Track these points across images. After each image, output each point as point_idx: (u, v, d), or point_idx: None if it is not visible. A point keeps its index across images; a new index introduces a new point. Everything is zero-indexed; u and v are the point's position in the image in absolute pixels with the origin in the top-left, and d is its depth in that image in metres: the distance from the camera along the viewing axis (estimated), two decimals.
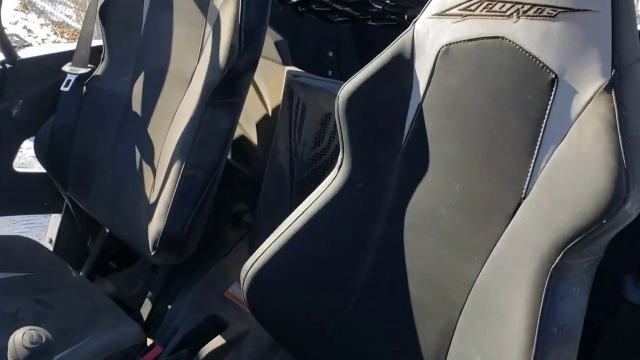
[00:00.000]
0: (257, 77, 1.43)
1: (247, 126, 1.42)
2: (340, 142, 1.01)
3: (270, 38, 1.38)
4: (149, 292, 1.45)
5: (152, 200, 1.25)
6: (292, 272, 1.01)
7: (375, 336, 0.98)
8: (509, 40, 0.86)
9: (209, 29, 1.23)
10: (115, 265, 1.70)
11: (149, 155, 1.31)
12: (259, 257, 1.03)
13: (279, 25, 1.41)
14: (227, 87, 1.19)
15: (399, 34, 0.98)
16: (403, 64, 0.97)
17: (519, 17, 0.86)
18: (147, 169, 1.31)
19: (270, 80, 1.38)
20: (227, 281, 1.28)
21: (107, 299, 1.36)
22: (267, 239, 1.04)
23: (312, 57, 1.76)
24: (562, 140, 0.82)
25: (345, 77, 1.88)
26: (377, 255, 0.99)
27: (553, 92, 0.83)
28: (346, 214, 1.00)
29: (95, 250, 1.61)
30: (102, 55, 1.43)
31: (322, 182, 1.11)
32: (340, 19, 1.61)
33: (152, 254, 1.21)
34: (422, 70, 0.96)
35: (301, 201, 1.15)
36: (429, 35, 0.95)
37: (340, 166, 1.02)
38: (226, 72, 1.17)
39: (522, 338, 0.79)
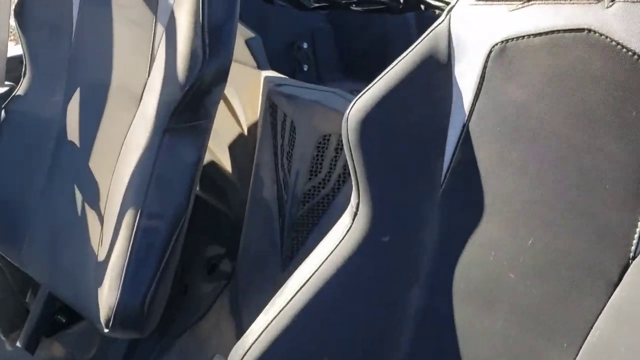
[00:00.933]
0: (227, 85, 1.14)
1: (218, 149, 1.13)
2: (354, 180, 0.74)
3: (240, 35, 1.09)
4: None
5: (100, 257, 0.96)
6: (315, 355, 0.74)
7: None
8: (599, 34, 0.60)
9: (160, 29, 0.93)
10: (64, 320, 1.40)
11: (92, 199, 1.01)
12: (253, 343, 0.75)
13: (242, 15, 1.13)
14: (190, 107, 0.90)
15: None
16: (437, 70, 0.70)
17: (613, 1, 0.60)
18: (91, 217, 1.01)
19: (244, 90, 1.09)
20: (205, 354, 1.00)
21: None
22: (261, 316, 0.76)
23: (284, 50, 1.48)
24: None
25: (323, 73, 1.61)
26: (418, 333, 0.72)
27: None
28: (371, 280, 0.73)
29: (37, 308, 1.30)
30: (23, 69, 1.12)
31: (322, 223, 0.84)
32: (316, 5, 1.33)
33: (106, 331, 0.92)
34: (465, 78, 0.69)
35: (296, 248, 0.88)
36: (474, 29, 0.68)
37: (355, 213, 0.74)
38: (188, 87, 0.88)
39: None
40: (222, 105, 1.13)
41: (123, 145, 0.98)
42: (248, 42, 1.09)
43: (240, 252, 1.04)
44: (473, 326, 0.69)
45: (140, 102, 0.96)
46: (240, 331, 0.99)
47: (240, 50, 1.10)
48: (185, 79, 0.87)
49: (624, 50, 0.58)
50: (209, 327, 1.04)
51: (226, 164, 1.11)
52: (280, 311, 0.74)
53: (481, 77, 0.68)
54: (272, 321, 0.74)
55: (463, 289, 0.70)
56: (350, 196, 0.96)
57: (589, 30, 0.60)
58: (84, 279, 0.99)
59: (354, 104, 0.73)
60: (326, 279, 0.74)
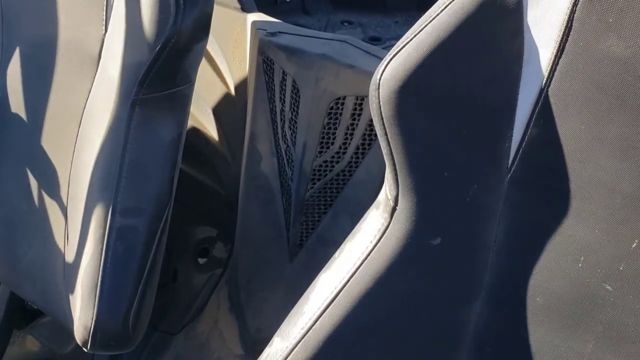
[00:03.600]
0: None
1: (200, 114, 0.94)
2: (390, 167, 0.56)
3: None
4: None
5: (69, 258, 0.79)
6: None
7: None
8: None
9: None
10: (36, 307, 1.24)
11: (50, 187, 0.82)
12: None
13: None
14: (164, 72, 0.70)
15: None
16: (501, 16, 0.52)
17: None
18: (52, 208, 0.83)
19: (228, 40, 0.89)
20: (207, 357, 0.85)
21: None
22: (277, 342, 0.61)
23: None
24: None
25: (308, 2, 1.37)
26: (482, 357, 0.58)
27: None
28: (418, 297, 0.57)
29: (2, 302, 1.14)
30: None
31: (338, 204, 0.68)
32: None
33: (86, 350, 0.76)
34: (543, 26, 0.51)
35: (305, 234, 0.72)
36: None
37: (393, 209, 0.57)
38: (159, 46, 0.67)
39: None
40: (202, 61, 0.93)
41: (82, 120, 0.78)
42: None
43: (237, 237, 0.87)
44: (553, 350, 0.54)
45: (98, 64, 0.76)
46: (244, 333, 0.84)
47: None
48: (155, 35, 0.67)
49: None
50: (207, 327, 0.88)
51: (212, 132, 0.92)
52: (303, 337, 0.59)
53: (567, 25, 0.49)
54: (293, 349, 0.59)
55: (541, 304, 0.54)
56: (372, 171, 0.79)
57: None
58: (53, 281, 0.82)
59: (387, 65, 0.55)
60: (360, 296, 0.58)
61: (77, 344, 1.13)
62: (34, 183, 0.86)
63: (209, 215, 0.97)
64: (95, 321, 0.70)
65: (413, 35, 0.54)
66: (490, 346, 0.58)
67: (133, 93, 0.71)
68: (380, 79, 0.55)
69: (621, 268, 0.51)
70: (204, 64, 0.92)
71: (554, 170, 0.53)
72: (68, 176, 0.81)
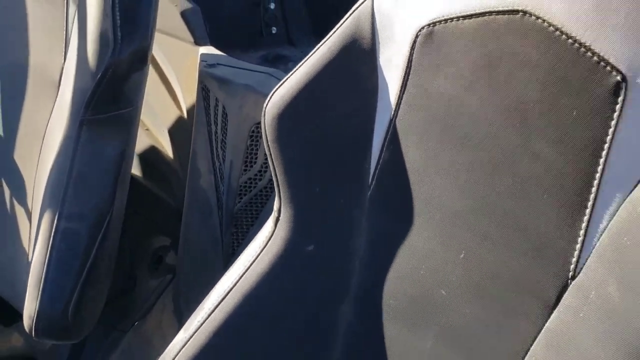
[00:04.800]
0: (164, 63, 1.04)
1: (157, 132, 1.05)
2: (275, 181, 0.66)
3: (175, 6, 0.99)
4: None
5: (30, 258, 0.90)
6: None
7: None
8: (536, 17, 0.50)
9: (72, 9, 0.84)
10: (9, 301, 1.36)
11: (19, 194, 0.94)
12: (179, 353, 0.69)
13: None
14: (106, 96, 0.81)
15: None
16: (360, 57, 0.61)
17: None
18: (20, 212, 0.94)
19: (181, 68, 1.00)
20: (148, 356, 0.94)
21: None
22: (181, 333, 0.70)
23: (249, 10, 1.37)
24: (636, 186, 0.49)
25: (294, 35, 1.50)
26: (347, 353, 0.66)
27: (620, 105, 0.48)
28: (295, 294, 0.66)
29: None
30: None
31: (263, 217, 0.77)
32: None
33: (33, 338, 0.86)
34: (391, 66, 0.60)
35: (236, 244, 0.81)
36: (398, 10, 0.58)
37: (277, 219, 0.67)
38: (100, 74, 0.79)
39: None
40: (160, 85, 1.04)
41: (44, 137, 0.90)
42: (184, 14, 0.99)
43: (180, 247, 0.97)
44: (402, 346, 0.62)
45: (58, 89, 0.88)
46: None
47: (176, 23, 1.00)
48: (96, 65, 0.79)
49: (563, 36, 0.49)
50: (152, 326, 0.98)
51: (167, 148, 1.03)
52: (199, 328, 0.68)
53: (407, 66, 0.58)
54: (190, 339, 0.68)
55: (393, 305, 0.62)
56: None
57: (524, 13, 0.50)
58: (19, 279, 0.93)
59: (272, 95, 0.65)
60: (246, 293, 0.67)
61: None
62: (7, 192, 0.98)
63: (164, 226, 1.07)
64: (38, 311, 0.81)
65: (291, 74, 0.64)
66: (356, 343, 0.66)
67: (81, 114, 0.82)
68: (266, 107, 0.64)
69: (453, 278, 0.59)
70: (162, 90, 1.04)
71: (400, 189, 0.61)
72: (32, 186, 0.92)
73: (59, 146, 0.84)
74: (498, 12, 0.52)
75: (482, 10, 0.53)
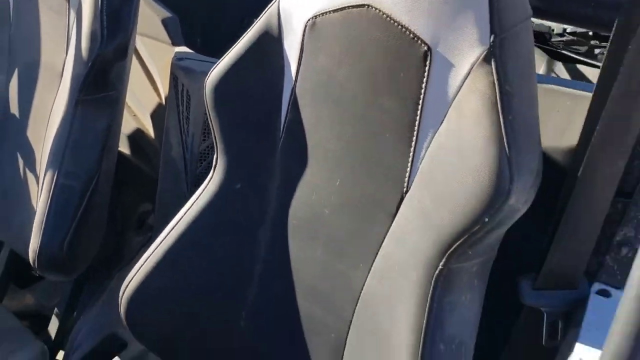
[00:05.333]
0: (148, 60, 1.28)
1: (142, 117, 1.28)
2: (214, 137, 0.89)
3: (157, 16, 1.23)
4: (55, 309, 1.34)
5: (38, 212, 1.13)
6: (174, 290, 0.90)
7: (268, 355, 0.87)
8: (375, 8, 0.72)
9: (73, 15, 1.08)
10: (37, 274, 1.59)
11: (30, 162, 1.17)
12: (136, 274, 0.91)
13: None
14: (96, 81, 1.05)
15: None
16: (271, 43, 0.84)
17: None
18: (30, 178, 1.17)
19: (161, 64, 1.24)
20: None
21: (10, 319, 1.25)
22: (145, 253, 0.92)
23: (238, 25, 1.61)
24: (441, 124, 0.70)
25: None
26: (265, 265, 0.87)
27: (427, 67, 0.70)
28: (227, 221, 0.88)
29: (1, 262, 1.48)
30: None
31: None
32: None
33: (37, 272, 1.09)
34: (291, 49, 0.82)
35: None
36: (295, 6, 0.81)
37: (215, 166, 0.89)
38: (90, 64, 1.02)
39: (404, 356, 0.68)
40: (145, 79, 1.28)
41: (50, 116, 1.13)
42: (164, 21, 1.23)
43: (156, 208, 1.19)
44: (300, 255, 0.83)
45: (61, 77, 1.12)
46: None
47: (158, 29, 1.24)
48: (87, 57, 1.02)
49: (392, 21, 0.71)
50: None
51: (149, 129, 1.26)
52: (157, 248, 0.90)
53: (301, 48, 0.81)
54: (149, 257, 0.90)
55: (294, 225, 0.84)
56: None
57: (368, 6, 0.73)
58: (29, 231, 1.16)
59: (210, 73, 0.88)
60: (189, 222, 0.89)
61: (59, 298, 1.47)
62: (21, 162, 1.22)
63: (147, 195, 1.30)
64: (40, 246, 1.03)
65: (224, 56, 0.86)
66: (271, 258, 0.87)
67: (76, 96, 1.06)
68: (206, 82, 0.87)
69: (332, 199, 0.80)
70: (146, 82, 1.27)
71: (299, 140, 0.83)
72: (40, 155, 1.16)
73: (60, 121, 1.07)
74: (353, 6, 0.74)
75: (343, 5, 0.75)
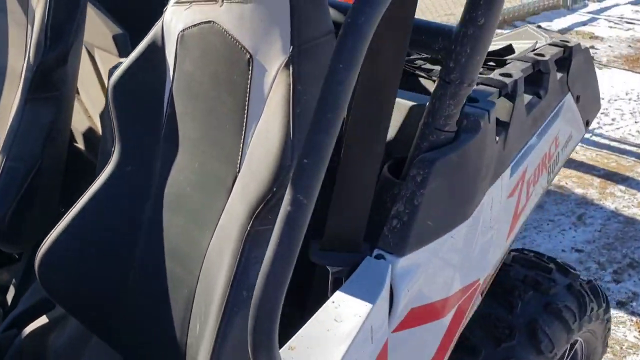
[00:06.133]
0: (102, 69, 1.50)
1: (94, 117, 1.50)
2: (113, 128, 1.08)
3: (110, 32, 1.45)
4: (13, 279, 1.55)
5: None
6: (75, 252, 1.08)
7: (148, 307, 1.05)
8: (217, 24, 0.91)
9: (30, 27, 1.30)
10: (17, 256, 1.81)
11: None
12: (48, 238, 1.10)
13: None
14: (41, 83, 1.27)
15: None
16: (157, 51, 1.03)
17: (223, 2, 0.91)
18: None
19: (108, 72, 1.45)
20: None
21: None
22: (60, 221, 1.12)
23: None
24: (260, 116, 0.87)
25: None
26: (148, 233, 1.05)
27: (250, 72, 0.88)
28: (120, 197, 1.07)
29: None
30: None
31: None
32: None
33: None
34: (170, 56, 1.02)
35: None
36: (172, 22, 1.00)
37: (113, 151, 1.08)
38: (35, 67, 1.24)
39: (219, 301, 0.85)
40: (97, 84, 1.49)
41: (10, 111, 1.36)
42: (115, 37, 1.45)
43: None
44: (171, 225, 1.01)
45: (20, 80, 1.34)
46: None
47: (110, 43, 1.46)
48: (34, 60, 1.24)
49: (228, 35, 0.89)
50: None
51: (99, 128, 1.47)
52: (66, 217, 1.10)
53: (175, 56, 1.00)
54: (63, 220, 1.09)
55: (168, 200, 1.02)
56: None
57: (213, 22, 0.92)
58: None
59: (110, 74, 1.08)
60: (90, 196, 1.08)
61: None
62: None
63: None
64: None
65: (125, 59, 1.06)
66: (152, 228, 1.05)
67: (25, 95, 1.28)
68: (108, 81, 1.07)
69: (192, 178, 0.98)
70: (98, 87, 1.49)
71: (174, 128, 1.01)
72: (0, 145, 1.38)
73: (14, 115, 1.30)
74: (204, 22, 0.93)
75: (199, 22, 0.94)
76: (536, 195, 1.12)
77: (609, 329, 1.71)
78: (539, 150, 1.11)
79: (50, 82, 1.27)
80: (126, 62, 1.06)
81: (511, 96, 0.98)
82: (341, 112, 0.59)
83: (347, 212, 0.81)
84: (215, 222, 0.94)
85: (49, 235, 1.10)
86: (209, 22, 0.92)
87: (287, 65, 0.83)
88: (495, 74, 1.00)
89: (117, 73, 1.06)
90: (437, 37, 0.93)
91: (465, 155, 0.83)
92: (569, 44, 1.19)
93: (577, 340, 1.61)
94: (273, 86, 0.84)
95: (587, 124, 1.29)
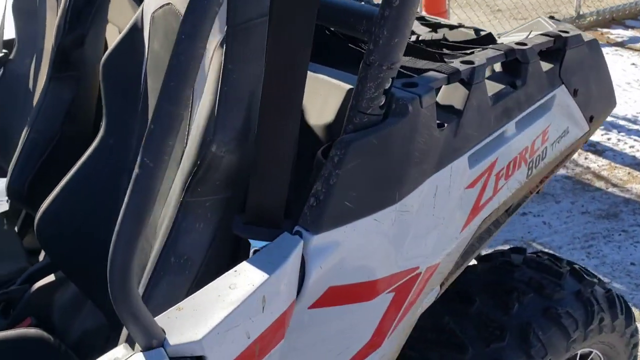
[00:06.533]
0: None
1: None
2: (103, 105, 1.17)
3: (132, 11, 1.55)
4: None
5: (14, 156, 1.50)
6: (67, 214, 1.19)
7: None
8: (173, 5, 0.96)
9: (59, 12, 1.44)
10: None
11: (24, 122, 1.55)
12: (46, 200, 1.22)
13: None
14: (61, 63, 1.39)
15: None
16: (138, 33, 1.11)
17: None
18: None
19: None
20: None
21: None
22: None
23: None
24: (202, 94, 0.92)
25: None
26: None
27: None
28: (102, 169, 1.16)
29: None
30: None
31: None
32: None
33: (7, 202, 1.45)
34: (146, 37, 1.09)
35: None
36: (148, 6, 1.07)
37: (101, 125, 1.17)
38: (56, 47, 1.37)
39: (150, 265, 0.90)
40: None
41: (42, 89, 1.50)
42: None
43: None
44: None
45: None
46: None
47: None
48: (55, 41, 1.37)
49: (180, 14, 0.95)
50: None
51: None
52: (62, 180, 1.20)
53: (149, 36, 1.07)
54: (58, 185, 1.20)
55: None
56: None
57: (171, 4, 0.97)
58: None
59: (105, 55, 1.17)
60: (80, 165, 1.18)
61: None
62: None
63: None
64: (10, 180, 1.39)
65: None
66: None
67: (50, 74, 1.41)
68: (101, 62, 1.16)
69: None
70: None
71: (147, 105, 1.08)
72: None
73: (39, 92, 1.44)
74: (165, 5, 0.99)
75: (163, 4, 1.00)
76: (509, 190, 1.07)
77: (636, 344, 1.58)
78: (517, 142, 1.07)
79: (69, 62, 1.39)
80: (114, 43, 1.14)
81: (467, 83, 0.95)
82: (186, 81, 0.62)
83: (265, 187, 0.84)
84: (167, 193, 0.99)
85: (47, 198, 1.22)
86: (168, 3, 0.98)
87: (221, 44, 0.86)
88: (456, 62, 0.97)
89: (107, 54, 1.15)
90: (362, 20, 0.92)
91: (387, 138, 0.83)
92: (564, 35, 1.12)
93: (591, 352, 1.51)
94: (211, 64, 0.88)
95: (592, 120, 1.21)
